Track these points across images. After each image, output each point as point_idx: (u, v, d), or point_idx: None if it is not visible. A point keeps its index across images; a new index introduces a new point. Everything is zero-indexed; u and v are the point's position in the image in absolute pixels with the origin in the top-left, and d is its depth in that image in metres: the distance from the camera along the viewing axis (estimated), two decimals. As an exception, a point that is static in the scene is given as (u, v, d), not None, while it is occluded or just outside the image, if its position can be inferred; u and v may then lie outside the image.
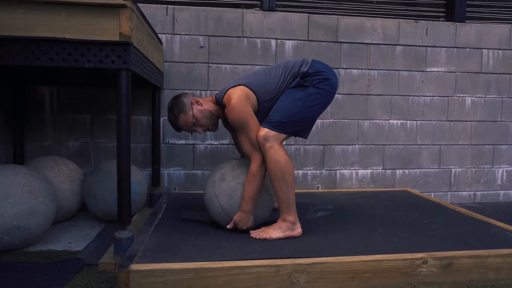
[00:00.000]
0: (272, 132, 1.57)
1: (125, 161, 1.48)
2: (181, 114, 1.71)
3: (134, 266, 1.21)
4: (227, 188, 1.64)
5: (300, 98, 1.61)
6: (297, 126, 1.63)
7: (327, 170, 2.65)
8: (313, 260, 1.30)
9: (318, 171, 2.64)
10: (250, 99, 1.63)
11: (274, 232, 1.56)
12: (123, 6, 1.42)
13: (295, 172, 2.51)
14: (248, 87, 1.64)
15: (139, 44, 1.59)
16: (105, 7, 1.41)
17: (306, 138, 1.71)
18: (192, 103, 1.72)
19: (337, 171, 2.66)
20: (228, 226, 1.62)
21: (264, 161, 1.58)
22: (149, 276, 1.21)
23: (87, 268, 1.50)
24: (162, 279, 1.21)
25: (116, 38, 1.42)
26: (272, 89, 1.65)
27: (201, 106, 1.72)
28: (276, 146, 1.56)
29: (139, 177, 2.15)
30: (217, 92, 1.78)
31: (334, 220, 1.86)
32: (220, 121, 1.85)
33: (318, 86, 1.62)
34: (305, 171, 2.62)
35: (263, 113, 1.66)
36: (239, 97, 1.60)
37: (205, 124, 1.74)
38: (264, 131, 1.57)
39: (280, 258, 1.32)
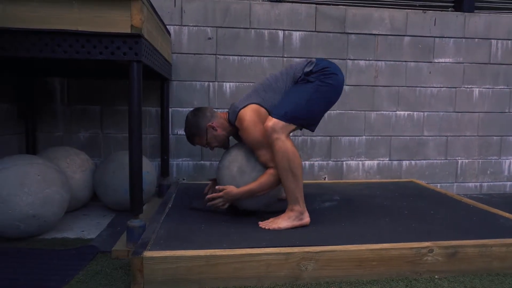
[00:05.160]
0: (281, 123, 1.59)
1: (137, 151, 1.51)
2: (196, 136, 1.80)
3: (148, 253, 1.25)
4: (251, 180, 1.65)
5: (307, 91, 1.63)
6: (304, 117, 1.65)
7: (334, 161, 2.67)
8: (321, 248, 1.34)
9: (325, 162, 2.66)
10: (262, 117, 1.66)
11: (283, 222, 1.59)
12: (134, -2, 1.43)
13: (302, 163, 2.53)
14: (258, 104, 1.67)
15: (150, 36, 1.61)
16: (116, -1, 1.43)
17: (313, 131, 1.73)
18: (207, 129, 1.76)
19: (344, 162, 2.68)
20: (217, 187, 1.68)
21: None
22: (162, 263, 1.25)
23: (101, 255, 1.54)
24: (174, 266, 1.25)
25: (127, 30, 1.44)
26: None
27: (215, 131, 1.77)
28: (283, 137, 1.58)
29: (148, 168, 2.19)
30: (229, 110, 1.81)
31: (341, 210, 1.89)
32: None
33: (324, 81, 1.64)
34: (312, 162, 2.64)
35: None
36: (250, 119, 1.63)
37: (218, 146, 1.84)
38: (272, 122, 1.59)
39: (289, 246, 1.35)
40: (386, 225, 1.65)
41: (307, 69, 1.65)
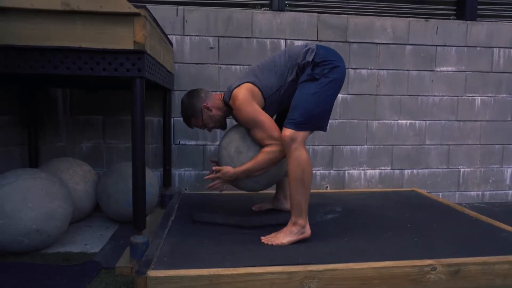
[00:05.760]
0: (298, 133, 1.57)
1: (139, 166, 1.51)
2: (192, 118, 1.82)
3: (152, 273, 1.25)
4: (248, 159, 1.67)
5: (315, 92, 1.60)
6: (318, 120, 1.64)
7: (336, 170, 2.67)
8: (324, 267, 1.33)
9: (327, 171, 2.66)
10: (255, 96, 1.67)
11: (285, 237, 1.58)
12: (137, 15, 1.43)
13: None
14: (252, 83, 1.68)
15: (152, 50, 1.61)
16: (119, 16, 1.43)
17: (326, 131, 1.70)
18: (202, 109, 1.77)
19: (346, 171, 2.68)
20: (214, 168, 1.72)
21: (277, 152, 1.62)
22: (165, 283, 1.25)
23: (104, 272, 1.54)
24: (178, 285, 1.25)
25: (130, 46, 1.44)
26: (277, 82, 1.69)
27: (210, 112, 1.79)
28: (301, 147, 1.58)
29: (151, 178, 2.19)
30: (225, 91, 1.81)
31: (343, 223, 1.89)
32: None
33: (329, 75, 1.61)
34: (314, 171, 2.63)
35: (270, 107, 1.71)
36: (244, 97, 1.64)
37: (214, 126, 1.85)
38: (289, 132, 1.57)
39: (293, 265, 1.35)
40: (389, 240, 1.65)
41: (309, 58, 1.62)
